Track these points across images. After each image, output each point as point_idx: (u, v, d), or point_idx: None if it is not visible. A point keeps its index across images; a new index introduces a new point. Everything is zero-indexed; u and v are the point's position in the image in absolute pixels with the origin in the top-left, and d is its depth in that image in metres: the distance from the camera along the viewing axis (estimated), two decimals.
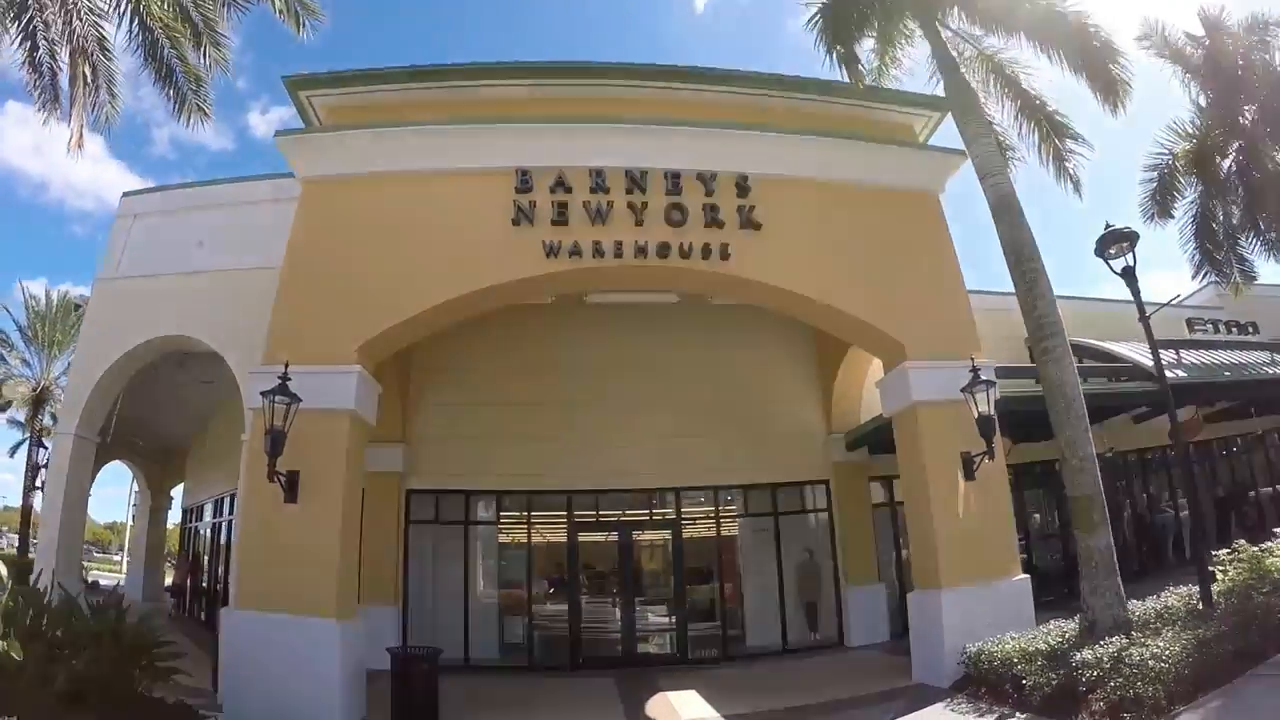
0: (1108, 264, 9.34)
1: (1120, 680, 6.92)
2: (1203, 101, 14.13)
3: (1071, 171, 12.36)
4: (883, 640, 13.96)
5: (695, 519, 14.95)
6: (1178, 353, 15.40)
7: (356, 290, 9.97)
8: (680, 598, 14.24)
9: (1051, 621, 9.23)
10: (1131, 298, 9.41)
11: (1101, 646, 7.63)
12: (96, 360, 12.08)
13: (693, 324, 14.95)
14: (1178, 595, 8.95)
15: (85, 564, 35.10)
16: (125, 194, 13.49)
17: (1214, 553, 8.78)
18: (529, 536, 14.29)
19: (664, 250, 10.37)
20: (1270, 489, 18.92)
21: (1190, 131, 14.18)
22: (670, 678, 11.96)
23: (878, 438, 13.76)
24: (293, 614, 8.63)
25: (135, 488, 27.44)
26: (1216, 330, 19.59)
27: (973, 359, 10.23)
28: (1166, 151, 14.44)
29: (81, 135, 9.45)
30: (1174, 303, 17.25)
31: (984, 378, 10.02)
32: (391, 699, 8.81)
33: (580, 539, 14.40)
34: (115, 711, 6.35)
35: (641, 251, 10.34)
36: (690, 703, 10.10)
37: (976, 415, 9.97)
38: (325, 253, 10.27)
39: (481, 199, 10.49)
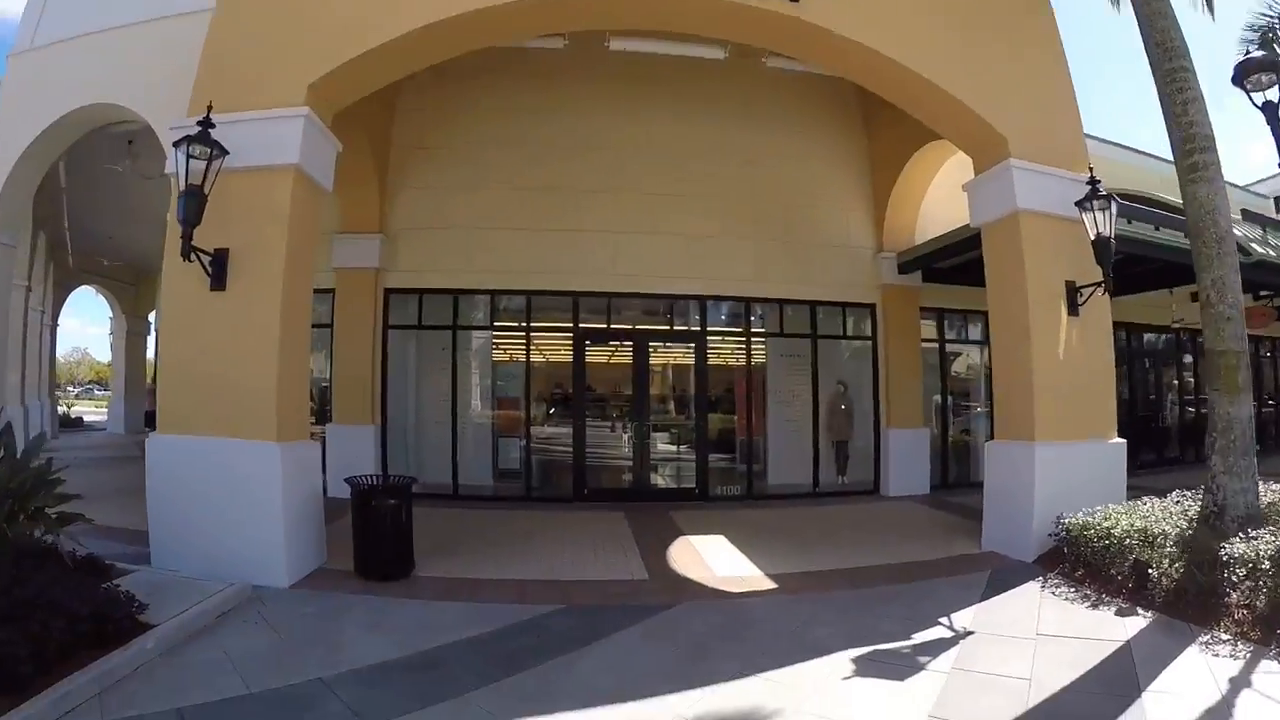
0: (1248, 95, 7.44)
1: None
2: None
3: None
4: (922, 492, 12.61)
5: (722, 334, 13.06)
6: (1264, 229, 13.58)
7: (310, 15, 7.43)
8: (702, 425, 12.48)
9: (1146, 499, 7.64)
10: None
11: (1257, 540, 6.01)
12: (9, 148, 9.83)
13: (733, 103, 12.59)
14: (1276, 491, 7.50)
15: (68, 400, 34.58)
16: None
17: None
18: (528, 345, 12.21)
19: None
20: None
21: None
22: (688, 517, 10.49)
23: (937, 260, 12.02)
24: (224, 436, 6.69)
25: (110, 314, 25.97)
26: None
27: (1090, 170, 8.39)
28: (1274, 15, 12.03)
29: None
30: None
31: (1103, 192, 8.19)
32: (354, 543, 7.04)
33: (588, 351, 12.34)
34: None
35: None
36: (720, 552, 8.49)
37: (1095, 236, 8.18)
38: None
39: None
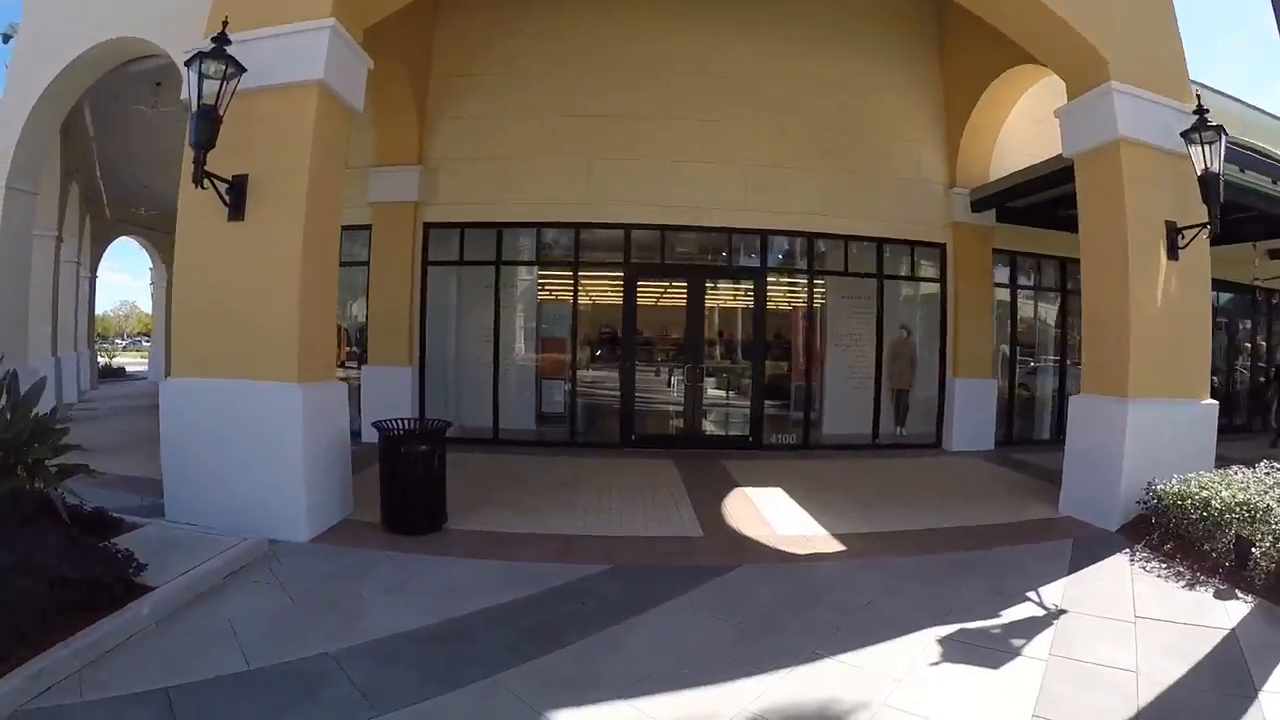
0: None
1: None
2: None
3: None
4: (986, 448, 11.87)
5: (782, 273, 12.28)
6: None
7: None
8: (758, 370, 11.85)
9: (1235, 468, 6.78)
10: None
11: None
12: (27, 93, 9.46)
13: (799, 27, 11.66)
14: None
15: (110, 351, 34.79)
16: None
17: None
18: (575, 282, 11.54)
19: None
20: None
21: None
22: (741, 467, 9.99)
23: (1015, 197, 11.11)
24: (242, 377, 6.16)
25: (150, 264, 25.94)
26: None
27: (1199, 98, 7.51)
28: None
29: None
30: None
31: (1212, 123, 7.26)
32: (381, 493, 6.51)
33: (639, 288, 11.69)
34: None
35: None
36: (778, 507, 7.93)
37: (1202, 171, 7.26)
38: None
39: None
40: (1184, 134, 7.32)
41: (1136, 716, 3.68)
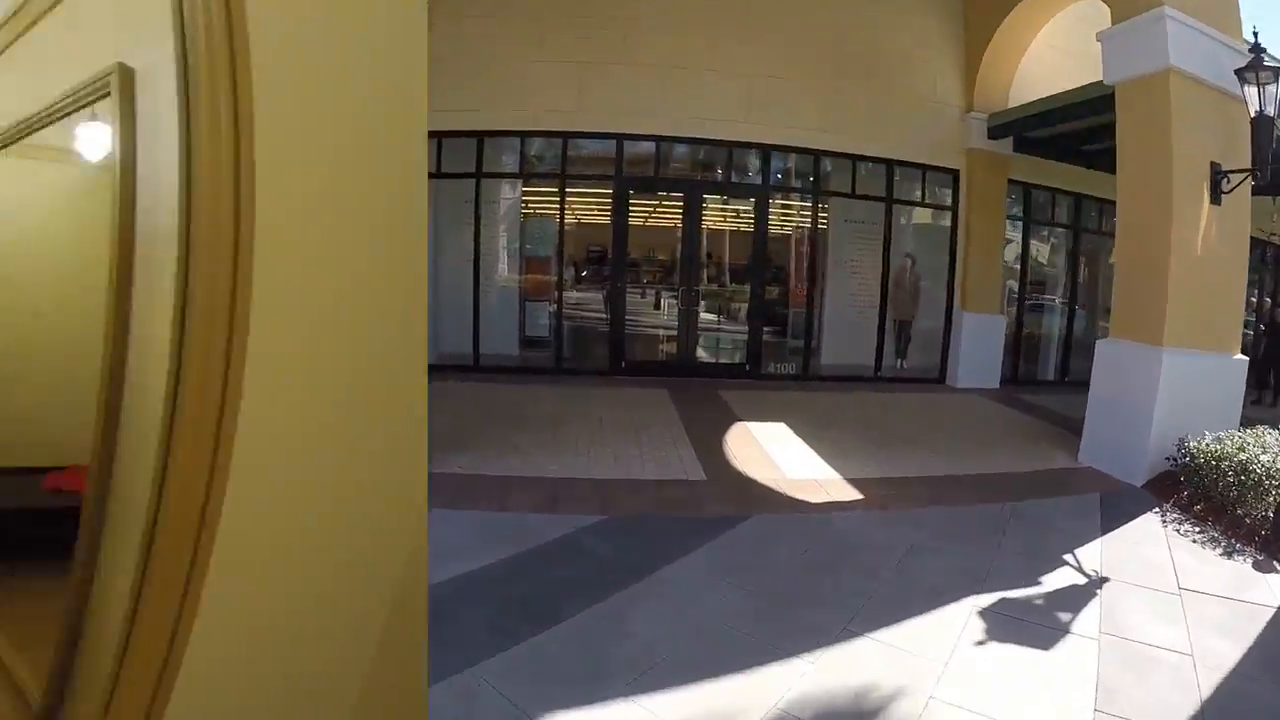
0: None
1: None
2: None
3: None
4: (991, 386, 11.41)
5: (785, 192, 11.65)
6: None
7: None
8: (757, 295, 11.30)
9: (1260, 428, 6.36)
10: None
11: None
12: None
13: None
14: None
15: None
16: None
17: None
18: (562, 196, 10.82)
19: None
20: None
21: None
22: (740, 398, 9.52)
23: (1038, 126, 10.41)
24: None
25: None
26: None
27: (1255, 34, 6.84)
28: None
29: None
30: None
31: (1269, 63, 6.65)
32: None
33: (631, 202, 10.97)
34: None
35: None
36: (785, 446, 7.45)
37: (1256, 113, 6.65)
38: None
39: None
40: (1238, 72, 6.69)
41: (1200, 712, 3.27)
